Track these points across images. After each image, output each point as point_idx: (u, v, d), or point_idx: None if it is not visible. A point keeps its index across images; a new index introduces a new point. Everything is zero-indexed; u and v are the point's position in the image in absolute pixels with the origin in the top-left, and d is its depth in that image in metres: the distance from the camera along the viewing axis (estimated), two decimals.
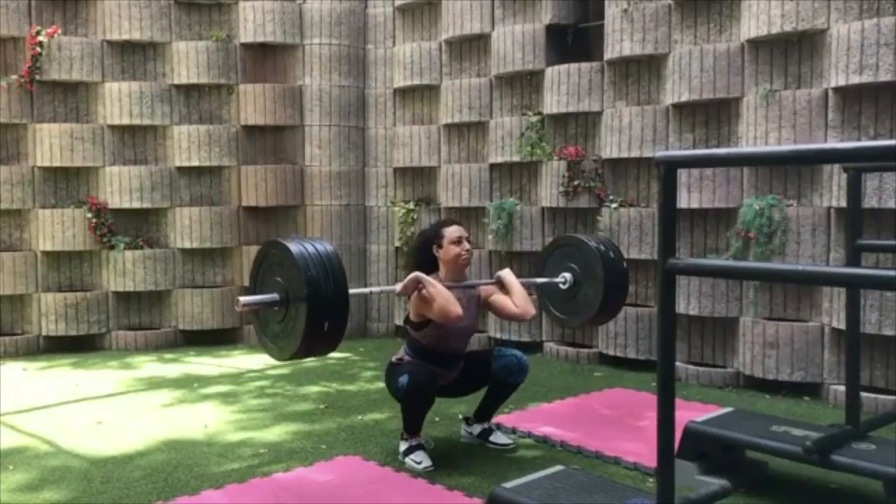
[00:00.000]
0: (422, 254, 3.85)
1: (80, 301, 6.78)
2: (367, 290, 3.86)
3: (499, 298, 3.89)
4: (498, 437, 4.07)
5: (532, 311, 3.83)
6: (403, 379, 3.64)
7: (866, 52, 4.62)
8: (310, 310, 2.83)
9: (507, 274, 3.95)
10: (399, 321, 7.31)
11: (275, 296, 2.99)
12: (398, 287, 3.60)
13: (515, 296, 3.83)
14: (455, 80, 6.97)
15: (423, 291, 3.57)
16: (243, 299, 3.00)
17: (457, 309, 3.52)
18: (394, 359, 3.90)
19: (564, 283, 4.23)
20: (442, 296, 3.52)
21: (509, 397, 4.10)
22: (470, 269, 4.01)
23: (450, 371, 3.87)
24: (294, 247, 2.93)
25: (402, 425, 3.85)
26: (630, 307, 5.86)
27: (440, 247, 3.79)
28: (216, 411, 4.77)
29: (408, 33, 7.37)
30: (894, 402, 4.59)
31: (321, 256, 2.92)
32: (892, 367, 4.79)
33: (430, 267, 3.79)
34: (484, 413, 4.11)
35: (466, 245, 3.80)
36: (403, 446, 3.84)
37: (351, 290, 3.02)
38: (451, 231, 3.79)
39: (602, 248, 4.15)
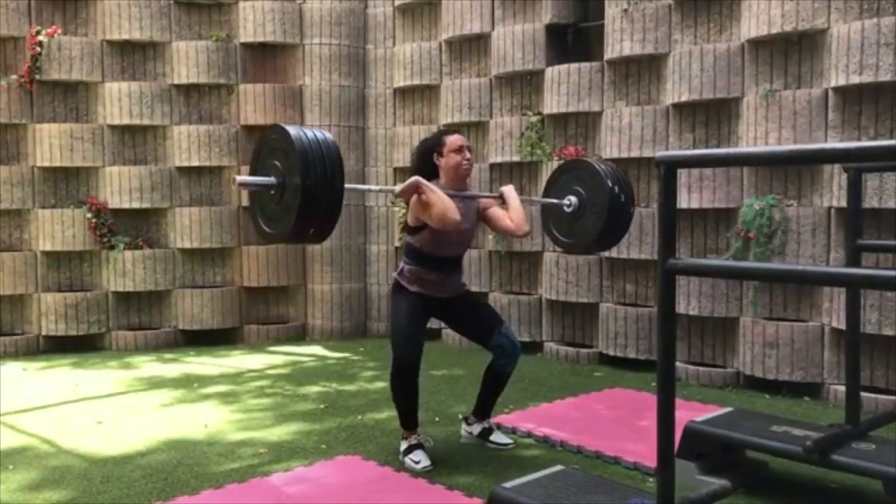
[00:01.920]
0: (422, 161, 3.80)
1: (80, 301, 6.78)
2: (365, 187, 3.84)
3: (496, 211, 3.89)
4: (498, 437, 4.07)
5: (526, 228, 3.85)
6: (393, 357, 3.71)
7: (866, 52, 4.62)
8: (304, 197, 2.81)
9: (509, 189, 3.94)
10: None
11: (271, 179, 2.96)
12: (397, 189, 3.60)
13: (512, 210, 3.83)
14: (455, 80, 6.97)
15: (423, 196, 3.54)
16: (240, 178, 2.99)
17: (455, 216, 3.49)
18: (395, 275, 3.91)
19: (569, 206, 4.10)
20: (441, 201, 3.49)
21: (503, 389, 4.07)
22: (470, 179, 3.98)
23: (446, 275, 3.82)
24: (294, 132, 2.90)
25: (398, 422, 3.86)
26: (630, 307, 5.87)
27: (441, 155, 3.75)
28: (216, 411, 4.77)
29: (408, 33, 7.37)
30: (894, 401, 4.59)
31: (320, 145, 2.89)
32: (892, 367, 4.79)
33: (431, 175, 3.73)
34: (482, 408, 4.10)
35: (468, 154, 3.77)
36: (403, 445, 3.84)
37: (347, 186, 3.01)
38: (453, 139, 3.76)
39: (611, 177, 4.02)
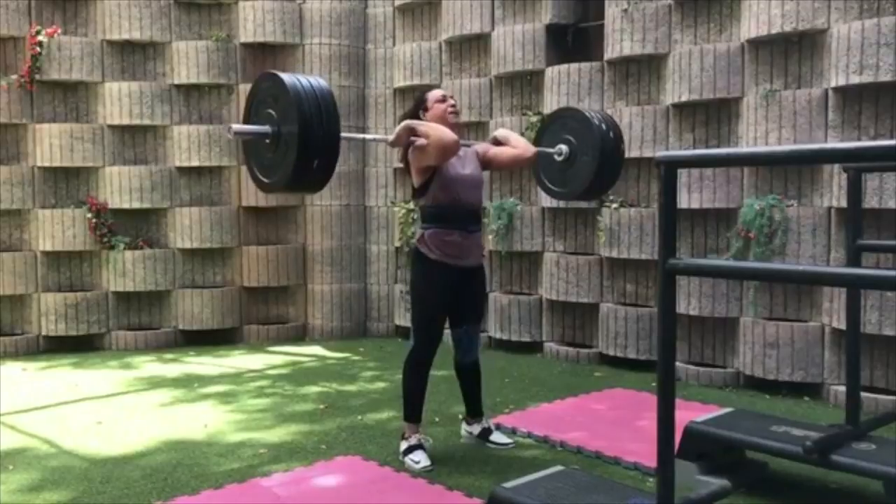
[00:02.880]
0: (412, 116, 3.84)
1: (80, 301, 6.78)
2: (360, 136, 3.84)
3: (496, 149, 3.98)
4: (498, 437, 4.07)
5: (532, 149, 3.96)
6: (410, 341, 3.80)
7: (866, 52, 4.62)
8: (300, 146, 2.77)
9: (501, 130, 4.09)
10: (400, 321, 7.31)
11: (266, 128, 2.92)
12: (391, 137, 3.63)
13: (513, 140, 3.97)
14: (455, 80, 6.97)
15: (417, 137, 3.57)
16: (235, 127, 2.96)
17: (451, 136, 3.54)
18: (414, 242, 3.92)
19: (560, 155, 4.09)
20: (434, 128, 3.55)
21: (480, 383, 4.08)
22: (460, 129, 4.08)
23: (468, 232, 3.75)
24: (288, 79, 2.86)
25: (402, 414, 3.88)
26: (630, 307, 5.86)
27: (427, 110, 3.80)
28: (216, 411, 4.77)
29: (408, 33, 7.37)
30: (894, 402, 4.59)
31: (315, 92, 2.85)
32: (893, 367, 4.79)
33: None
34: (470, 407, 4.12)
35: (451, 101, 3.83)
36: (403, 445, 3.84)
37: (344, 135, 2.99)
38: (434, 93, 3.86)
39: (603, 125, 4.01)
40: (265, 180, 3.03)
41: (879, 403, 4.61)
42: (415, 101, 3.92)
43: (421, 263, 3.77)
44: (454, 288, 3.78)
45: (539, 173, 4.33)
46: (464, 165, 3.78)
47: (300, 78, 2.89)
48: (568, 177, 4.13)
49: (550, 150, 4.12)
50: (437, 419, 4.50)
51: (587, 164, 4.01)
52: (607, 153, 3.97)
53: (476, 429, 4.12)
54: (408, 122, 3.61)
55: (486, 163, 3.96)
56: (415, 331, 3.79)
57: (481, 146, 4.02)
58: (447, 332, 3.94)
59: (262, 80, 3.04)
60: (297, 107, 2.78)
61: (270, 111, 2.93)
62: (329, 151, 2.88)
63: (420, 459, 3.73)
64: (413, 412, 3.83)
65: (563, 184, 4.20)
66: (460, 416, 4.36)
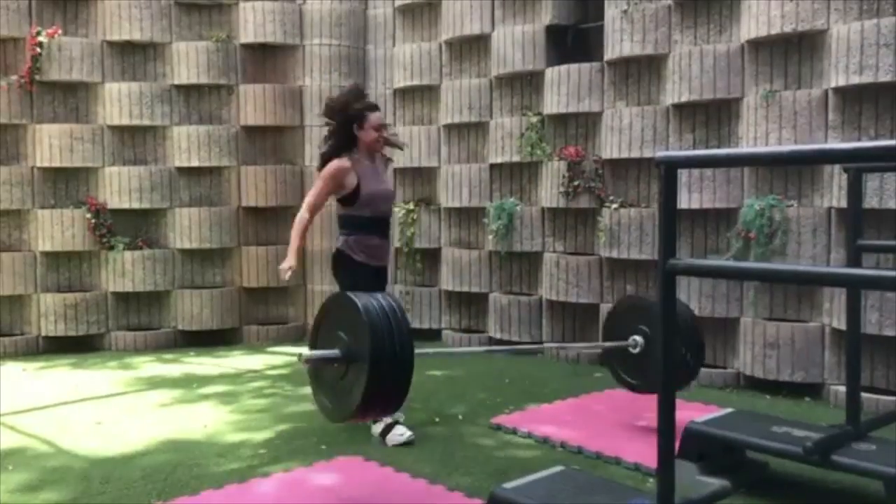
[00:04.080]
0: (344, 128, 4.19)
1: (80, 301, 6.77)
2: (431, 350, 3.85)
3: None
4: (397, 431, 4.07)
5: None
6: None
7: (866, 53, 4.62)
8: (371, 371, 2.75)
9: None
10: None
11: (336, 352, 2.92)
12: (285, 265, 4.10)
13: None
14: (455, 81, 6.96)
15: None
16: (306, 354, 2.97)
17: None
18: (338, 246, 4.27)
19: (635, 347, 4.05)
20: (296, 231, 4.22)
21: None
22: (382, 151, 4.44)
23: (384, 238, 4.30)
24: (360, 302, 2.87)
25: None
26: None
27: (361, 128, 4.17)
28: (216, 411, 4.77)
29: (408, 34, 7.37)
30: (894, 402, 4.59)
31: (387, 313, 2.85)
32: (893, 367, 4.79)
33: (350, 144, 4.19)
34: None
35: (384, 133, 4.30)
36: (379, 428, 4.01)
37: (417, 351, 2.96)
38: (376, 118, 4.22)
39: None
40: (333, 408, 2.98)
41: (880, 403, 4.61)
42: (356, 112, 4.16)
43: (348, 264, 4.21)
44: (373, 285, 4.15)
45: (616, 370, 4.27)
46: (380, 181, 4.31)
47: (372, 300, 2.89)
48: (646, 366, 4.01)
49: (624, 343, 4.08)
50: (437, 419, 4.49)
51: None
52: (686, 339, 3.87)
53: (379, 427, 4.12)
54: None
55: None
56: None
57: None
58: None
59: (333, 301, 3.06)
60: (369, 329, 2.77)
61: (340, 333, 2.92)
62: (402, 374, 2.86)
63: (404, 432, 4.01)
64: None
65: (646, 376, 4.10)
66: (460, 417, 4.36)
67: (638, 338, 4.05)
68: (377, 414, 3.32)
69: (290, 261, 4.07)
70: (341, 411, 2.94)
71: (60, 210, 6.81)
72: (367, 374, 2.75)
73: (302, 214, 4.20)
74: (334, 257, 4.30)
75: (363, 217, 4.18)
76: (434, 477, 3.58)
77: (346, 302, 2.92)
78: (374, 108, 4.28)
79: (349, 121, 4.16)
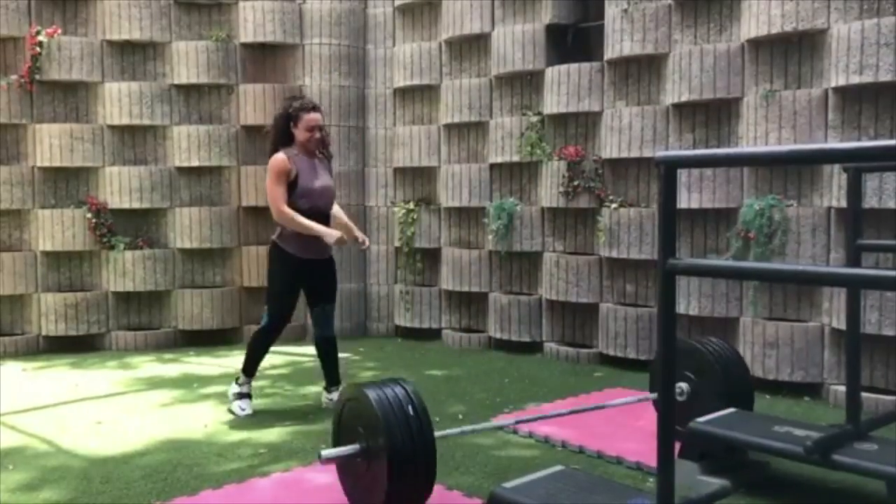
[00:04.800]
0: (282, 125, 4.46)
1: (80, 301, 6.77)
2: (457, 430, 3.60)
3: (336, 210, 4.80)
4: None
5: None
6: (265, 318, 4.52)
7: (866, 52, 4.62)
8: (391, 462, 2.78)
9: (336, 208, 4.77)
10: (400, 321, 7.31)
11: (356, 446, 2.93)
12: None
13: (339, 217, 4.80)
14: (455, 80, 6.96)
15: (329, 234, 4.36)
16: (325, 453, 2.98)
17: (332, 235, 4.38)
18: (274, 237, 4.50)
19: (681, 395, 3.87)
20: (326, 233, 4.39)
21: (336, 356, 4.71)
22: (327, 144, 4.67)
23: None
24: (372, 394, 2.88)
25: (241, 365, 4.63)
26: (630, 307, 5.86)
27: (296, 126, 4.42)
28: (216, 411, 4.77)
29: (408, 33, 7.37)
30: (894, 402, 4.59)
31: (400, 401, 2.87)
32: (893, 367, 4.79)
33: (288, 138, 4.44)
34: (330, 378, 4.73)
35: (317, 134, 4.44)
36: (235, 389, 4.61)
37: (437, 433, 2.96)
38: (310, 118, 4.42)
39: (717, 351, 3.82)
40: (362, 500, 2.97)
41: (880, 403, 4.61)
42: (294, 110, 4.41)
43: (279, 258, 4.49)
44: (307, 276, 4.52)
45: None
46: (318, 177, 4.49)
47: (385, 389, 2.89)
48: (700, 414, 3.74)
49: None
50: (436, 419, 4.49)
51: (714, 398, 3.75)
52: (730, 379, 3.76)
53: (334, 395, 4.54)
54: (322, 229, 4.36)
55: None
56: (269, 307, 4.52)
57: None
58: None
59: (347, 395, 3.08)
60: (382, 420, 2.79)
61: (359, 427, 2.93)
62: (424, 461, 2.86)
63: (245, 407, 4.56)
64: (253, 367, 4.64)
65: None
66: (460, 416, 4.36)
67: (683, 385, 3.87)
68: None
69: (332, 232, 4.36)
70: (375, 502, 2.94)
71: (61, 210, 6.81)
72: (386, 474, 2.80)
73: (287, 211, 4.36)
74: (269, 250, 4.57)
75: (300, 209, 4.37)
76: None
77: (360, 395, 2.94)
78: (311, 108, 4.46)
79: (287, 118, 4.44)
